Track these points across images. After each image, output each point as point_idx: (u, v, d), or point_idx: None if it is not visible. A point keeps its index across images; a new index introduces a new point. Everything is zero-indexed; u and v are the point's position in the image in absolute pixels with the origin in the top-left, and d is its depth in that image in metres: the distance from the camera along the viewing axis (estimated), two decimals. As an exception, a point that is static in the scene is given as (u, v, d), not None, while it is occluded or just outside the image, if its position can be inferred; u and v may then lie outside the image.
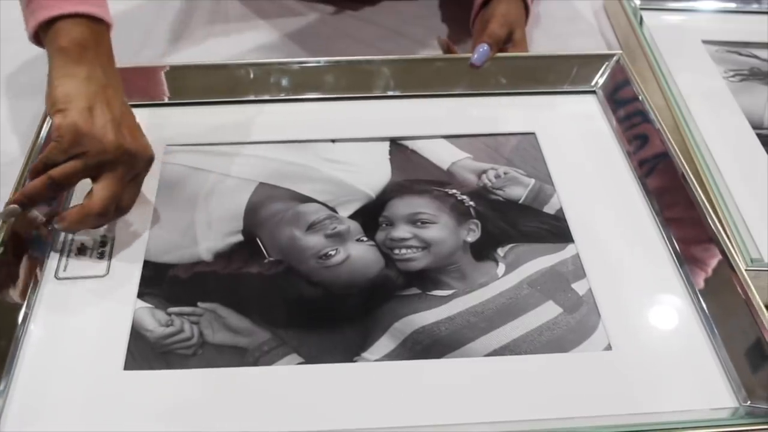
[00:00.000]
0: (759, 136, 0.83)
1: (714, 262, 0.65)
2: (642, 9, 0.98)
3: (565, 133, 0.82)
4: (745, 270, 0.62)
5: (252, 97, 0.84)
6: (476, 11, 0.91)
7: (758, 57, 0.94)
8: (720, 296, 0.63)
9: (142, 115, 0.81)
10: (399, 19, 1.03)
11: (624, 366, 0.60)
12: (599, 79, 0.87)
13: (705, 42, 0.96)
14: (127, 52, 0.95)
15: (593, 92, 0.87)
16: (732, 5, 1.02)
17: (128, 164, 0.65)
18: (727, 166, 0.77)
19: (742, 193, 0.74)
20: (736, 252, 0.64)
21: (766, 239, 0.69)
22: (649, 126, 0.79)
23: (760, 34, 0.96)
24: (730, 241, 0.66)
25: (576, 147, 0.81)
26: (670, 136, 0.77)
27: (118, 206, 0.65)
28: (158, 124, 0.81)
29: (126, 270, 0.66)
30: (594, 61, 0.87)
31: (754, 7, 1.01)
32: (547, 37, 0.99)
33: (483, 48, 0.84)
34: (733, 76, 0.91)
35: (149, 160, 0.67)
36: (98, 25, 0.67)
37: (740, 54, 0.94)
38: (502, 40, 0.86)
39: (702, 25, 0.99)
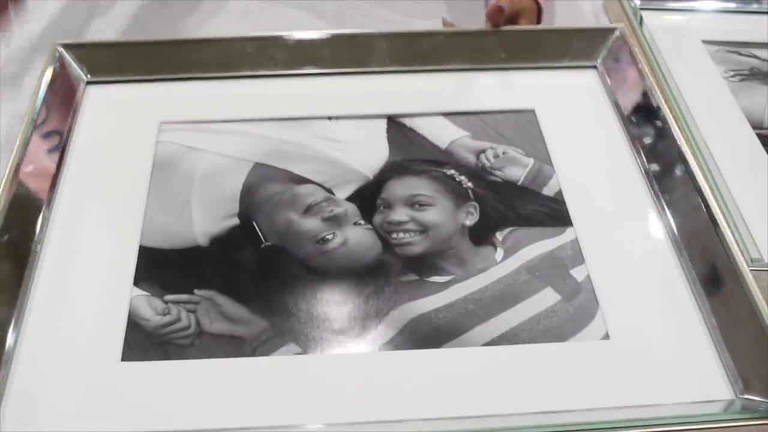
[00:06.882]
0: (759, 136, 0.82)
1: (714, 250, 0.64)
2: (642, 9, 0.97)
3: (565, 110, 0.81)
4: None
5: (248, 72, 0.82)
6: None
7: (758, 57, 0.93)
8: (720, 286, 0.63)
9: (136, 91, 0.81)
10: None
11: (621, 356, 0.60)
12: (600, 53, 0.85)
13: (705, 42, 0.95)
14: (119, 28, 0.94)
15: (594, 67, 0.85)
16: (732, 5, 1.00)
17: None
18: (727, 166, 0.76)
19: (742, 193, 0.73)
20: (737, 243, 0.64)
21: (766, 239, 0.69)
22: (649, 102, 0.78)
23: (760, 34, 0.95)
24: (730, 231, 0.65)
25: (576, 125, 0.80)
26: (669, 114, 0.76)
27: None
28: (152, 100, 0.80)
29: (121, 256, 0.66)
30: (594, 35, 0.86)
31: (754, 7, 1.00)
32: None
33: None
34: (733, 76, 0.90)
35: None
36: None
37: (740, 54, 0.93)
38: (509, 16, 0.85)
39: (702, 25, 0.98)
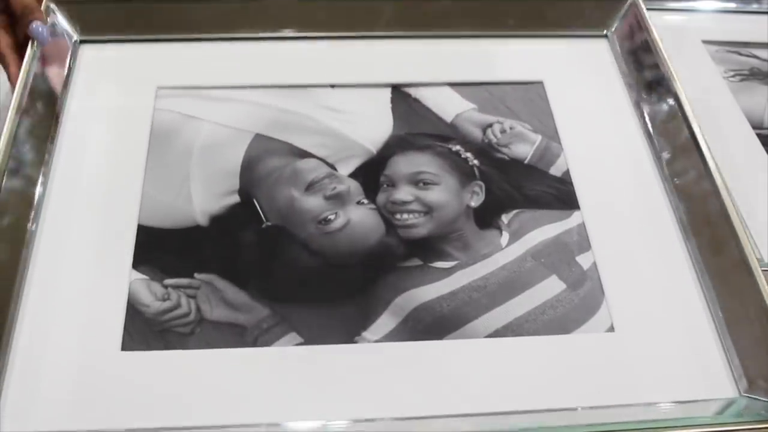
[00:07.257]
0: (759, 136, 0.82)
1: (724, 241, 0.63)
2: (642, 9, 0.95)
3: (574, 83, 0.79)
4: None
5: (248, 34, 0.79)
6: None
7: (758, 57, 0.92)
8: (728, 280, 0.62)
9: (131, 51, 0.78)
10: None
11: (625, 350, 0.60)
12: (611, 22, 0.82)
13: (705, 42, 0.94)
14: None
15: (605, 36, 0.83)
16: (732, 5, 0.99)
17: None
18: (727, 166, 0.75)
19: (742, 193, 0.72)
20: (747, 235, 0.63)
21: (766, 239, 0.69)
22: (661, 76, 0.76)
23: (760, 34, 0.94)
24: (741, 222, 0.64)
25: (585, 99, 0.77)
26: (681, 86, 0.74)
27: None
28: (149, 62, 0.77)
29: (119, 236, 0.64)
30: (607, 2, 0.82)
31: (754, 7, 0.98)
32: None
33: None
34: (733, 76, 0.90)
35: None
36: None
37: (740, 54, 0.93)
38: None
39: (702, 25, 0.97)
